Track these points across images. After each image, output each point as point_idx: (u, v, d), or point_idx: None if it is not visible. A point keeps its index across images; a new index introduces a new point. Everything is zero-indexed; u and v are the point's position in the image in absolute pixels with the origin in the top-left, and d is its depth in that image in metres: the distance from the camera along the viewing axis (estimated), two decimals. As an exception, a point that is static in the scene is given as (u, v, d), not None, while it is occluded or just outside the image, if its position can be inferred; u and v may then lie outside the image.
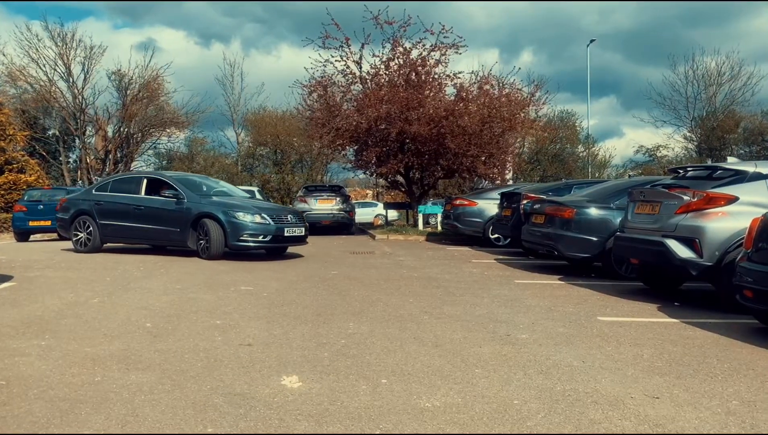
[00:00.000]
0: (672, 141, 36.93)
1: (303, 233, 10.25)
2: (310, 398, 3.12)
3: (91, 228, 10.97)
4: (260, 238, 9.58)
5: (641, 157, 36.68)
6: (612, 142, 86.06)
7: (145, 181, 10.96)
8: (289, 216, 10.13)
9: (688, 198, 6.08)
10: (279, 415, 2.86)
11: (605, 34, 62.73)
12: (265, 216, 9.69)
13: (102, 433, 2.65)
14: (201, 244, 9.77)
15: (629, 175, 26.99)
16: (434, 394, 3.22)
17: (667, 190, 6.40)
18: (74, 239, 11.19)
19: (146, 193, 10.72)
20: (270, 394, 3.16)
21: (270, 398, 3.10)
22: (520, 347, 4.29)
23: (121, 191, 11.01)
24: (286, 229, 9.83)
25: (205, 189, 10.99)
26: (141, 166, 36.65)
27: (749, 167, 6.18)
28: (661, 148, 35.76)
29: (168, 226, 10.18)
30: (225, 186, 12.16)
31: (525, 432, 2.73)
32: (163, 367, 3.63)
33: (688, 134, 35.29)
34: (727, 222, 5.77)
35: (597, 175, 34.41)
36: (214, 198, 10.38)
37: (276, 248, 10.47)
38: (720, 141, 33.15)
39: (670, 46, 61.31)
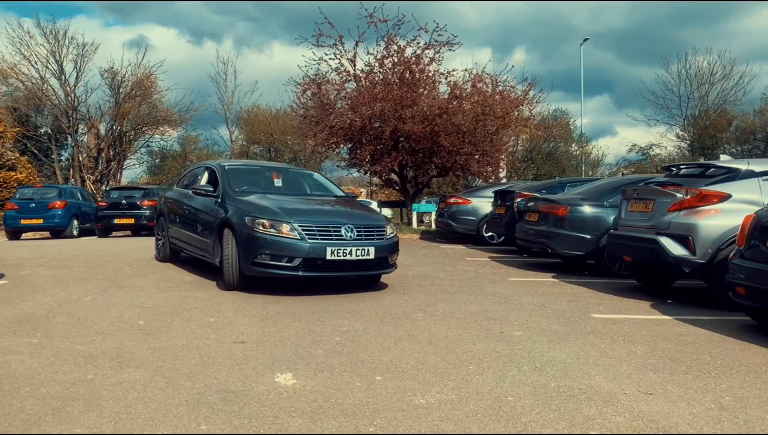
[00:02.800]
0: (665, 140, 37.15)
1: (371, 256, 6.24)
2: (304, 395, 3.11)
3: (164, 232, 9.09)
4: (284, 262, 6.03)
5: (634, 156, 36.86)
6: (605, 140, 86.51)
7: (205, 173, 8.18)
8: (345, 228, 6.24)
9: (681, 195, 6.10)
10: (273, 413, 2.85)
11: (597, 33, 62.97)
12: (296, 226, 6.10)
13: (94, 431, 2.62)
14: (223, 263, 6.55)
15: (622, 174, 27.09)
16: (428, 391, 3.22)
17: (660, 188, 6.42)
18: (156, 244, 9.59)
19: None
20: (264, 392, 3.15)
21: (264, 395, 3.09)
22: (514, 344, 4.30)
23: (186, 186, 8.69)
24: (329, 250, 6.02)
25: (278, 184, 7.94)
26: (134, 165, 36.53)
27: (742, 165, 6.21)
28: (654, 147, 35.94)
29: (203, 236, 7.41)
30: (316, 180, 8.64)
31: (519, 428, 2.73)
32: (156, 365, 3.61)
33: (680, 133, 35.44)
34: (719, 219, 5.79)
35: (590, 173, 34.56)
36: (250, 197, 6.93)
37: (356, 277, 6.78)
38: (712, 140, 33.31)
39: (662, 46, 61.64)
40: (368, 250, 6.23)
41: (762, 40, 49.52)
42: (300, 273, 6.07)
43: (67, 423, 2.69)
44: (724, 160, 6.92)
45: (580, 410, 2.96)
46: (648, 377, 3.54)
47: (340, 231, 6.21)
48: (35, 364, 3.60)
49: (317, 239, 6.09)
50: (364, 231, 6.38)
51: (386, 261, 6.57)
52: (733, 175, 6.11)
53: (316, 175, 8.94)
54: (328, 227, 6.23)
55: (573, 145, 37.31)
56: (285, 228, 6.11)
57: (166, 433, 2.62)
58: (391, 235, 6.71)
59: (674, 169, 7.17)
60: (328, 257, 6.02)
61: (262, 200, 6.81)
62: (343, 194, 8.10)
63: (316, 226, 6.18)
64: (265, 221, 6.18)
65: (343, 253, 6.10)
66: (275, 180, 8.01)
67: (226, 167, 7.81)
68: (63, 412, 2.82)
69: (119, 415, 2.80)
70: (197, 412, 2.85)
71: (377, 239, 6.43)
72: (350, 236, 6.21)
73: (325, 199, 7.68)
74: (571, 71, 64.30)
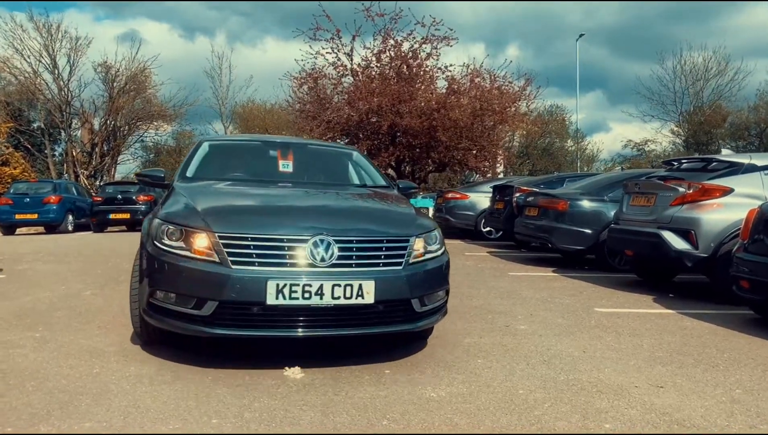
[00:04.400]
0: (660, 135, 37.29)
1: (366, 299, 3.26)
2: (314, 389, 3.08)
3: None
4: (190, 308, 3.25)
5: (629, 152, 36.95)
6: (599, 136, 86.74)
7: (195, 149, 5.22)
8: (315, 241, 3.27)
9: (684, 190, 6.10)
10: (284, 406, 2.82)
11: (590, 29, 62.96)
12: (217, 238, 3.26)
13: (104, 424, 2.59)
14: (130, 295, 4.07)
15: (622, 168, 27.15)
16: (438, 384, 3.19)
17: (662, 182, 6.42)
18: None
19: None
20: (273, 385, 3.12)
21: (274, 389, 3.06)
22: (520, 338, 4.28)
23: None
24: (274, 286, 3.14)
25: (286, 167, 5.00)
26: (128, 160, 36.39)
27: (744, 159, 6.23)
28: (649, 143, 36.04)
29: None
30: (355, 162, 5.42)
31: (533, 421, 2.71)
32: (162, 359, 3.57)
33: (675, 129, 35.55)
34: (722, 213, 5.80)
35: (585, 169, 34.63)
36: (199, 184, 4.32)
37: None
38: (707, 136, 33.44)
39: (656, 42, 61.54)
40: (360, 288, 3.24)
41: (757, 37, 49.73)
42: (216, 331, 3.23)
43: (76, 417, 2.66)
44: (726, 154, 6.92)
45: (592, 403, 2.95)
46: (657, 370, 3.53)
47: (299, 247, 3.25)
48: (39, 359, 3.56)
49: (253, 263, 3.21)
50: (358, 248, 3.37)
51: (406, 308, 3.46)
52: (735, 169, 6.12)
53: (356, 155, 5.57)
54: (274, 239, 3.27)
55: (568, 141, 37.39)
56: (199, 241, 3.28)
57: (176, 426, 2.58)
58: (430, 256, 3.64)
59: (675, 163, 7.17)
60: (271, 301, 3.13)
61: (205, 193, 4.01)
62: (384, 183, 5.00)
63: (251, 237, 3.26)
64: (170, 228, 3.41)
65: (305, 291, 3.16)
66: (281, 162, 5.10)
67: (206, 143, 5.19)
68: (71, 406, 2.79)
69: (128, 409, 2.76)
70: (207, 405, 2.81)
71: (386, 264, 3.41)
72: (323, 257, 3.25)
73: (330, 192, 4.45)
74: (564, 67, 64.34)
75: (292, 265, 3.24)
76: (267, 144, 5.53)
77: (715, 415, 2.83)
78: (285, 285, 3.15)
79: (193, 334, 3.35)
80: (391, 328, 3.50)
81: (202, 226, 3.34)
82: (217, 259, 3.22)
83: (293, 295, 3.16)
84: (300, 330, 3.27)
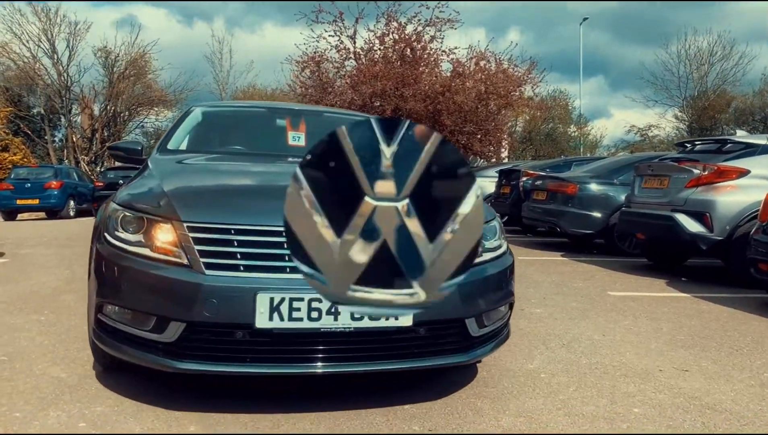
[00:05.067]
0: (663, 121, 37.00)
1: (403, 320, 2.30)
2: (330, 378, 2.98)
3: None
4: (146, 331, 2.33)
5: (632, 137, 36.70)
6: (600, 122, 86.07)
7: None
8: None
9: (699, 171, 5.98)
10: (299, 394, 2.73)
11: (591, 13, 62.21)
12: (185, 230, 2.31)
13: (115, 409, 2.50)
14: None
15: (631, 152, 26.98)
16: (457, 368, 3.10)
17: (676, 164, 6.30)
18: None
19: None
20: (287, 373, 3.02)
21: (290, 378, 2.96)
22: (536, 321, 4.20)
23: None
24: (265, 300, 2.20)
25: (296, 140, 4.04)
26: (128, 147, 36.11)
27: (761, 140, 6.11)
28: (652, 128, 35.77)
29: None
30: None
31: (559, 405, 2.62)
32: (172, 343, 3.48)
33: (679, 114, 35.27)
34: (738, 195, 5.69)
35: (588, 154, 34.45)
36: (180, 157, 3.54)
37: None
38: (711, 120, 33.21)
39: (658, 26, 60.88)
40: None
41: (761, 21, 49.19)
42: (184, 365, 2.32)
43: (86, 401, 2.57)
44: (741, 135, 6.80)
45: (618, 387, 2.86)
46: (680, 354, 3.44)
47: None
48: (46, 342, 3.47)
49: (237, 267, 2.29)
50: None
51: (459, 331, 2.53)
52: (751, 150, 6.01)
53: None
54: (268, 232, 2.30)
55: (571, 126, 37.17)
56: (162, 234, 2.39)
57: (191, 412, 2.50)
58: (489, 256, 2.70)
59: (689, 145, 7.06)
60: (263, 323, 2.23)
61: (182, 170, 3.24)
62: None
63: (235, 229, 2.32)
64: (127, 215, 2.51)
65: (312, 309, 2.24)
66: (290, 133, 4.14)
67: (198, 109, 4.34)
68: (80, 390, 2.70)
69: (139, 396, 2.67)
70: (220, 391, 2.73)
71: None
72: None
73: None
74: (565, 52, 63.42)
75: (294, 270, 2.08)
76: (274, 111, 4.59)
77: (746, 399, 2.74)
78: (283, 300, 2.21)
79: (154, 368, 2.40)
80: (437, 361, 2.51)
81: (166, 213, 2.39)
82: (184, 261, 2.29)
83: (295, 314, 2.22)
84: (306, 365, 2.33)
